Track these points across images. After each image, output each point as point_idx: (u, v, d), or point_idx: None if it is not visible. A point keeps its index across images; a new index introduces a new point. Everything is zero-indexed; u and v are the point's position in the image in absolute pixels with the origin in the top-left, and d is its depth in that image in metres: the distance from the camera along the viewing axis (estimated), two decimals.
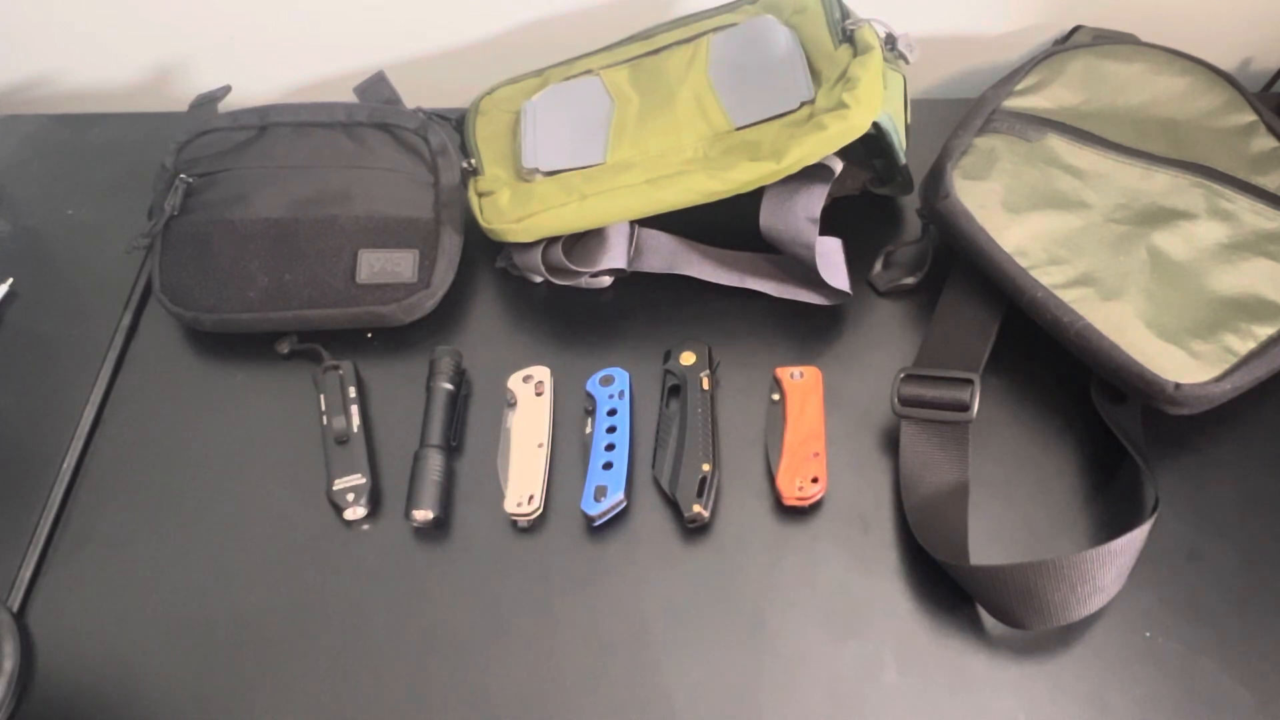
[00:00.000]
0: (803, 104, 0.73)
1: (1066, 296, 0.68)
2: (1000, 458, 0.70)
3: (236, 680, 0.65)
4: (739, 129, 0.74)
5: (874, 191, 0.83)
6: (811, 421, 0.70)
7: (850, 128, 0.69)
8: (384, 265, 0.76)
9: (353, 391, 0.74)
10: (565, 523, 0.69)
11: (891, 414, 0.70)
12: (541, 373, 0.75)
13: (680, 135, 0.75)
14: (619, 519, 0.69)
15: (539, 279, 0.79)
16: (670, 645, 0.64)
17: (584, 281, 0.79)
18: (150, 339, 0.80)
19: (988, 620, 0.64)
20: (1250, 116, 0.77)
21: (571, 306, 0.80)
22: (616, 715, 0.62)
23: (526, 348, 0.78)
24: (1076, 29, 0.84)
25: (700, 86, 0.77)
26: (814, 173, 0.71)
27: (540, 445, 0.71)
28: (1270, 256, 0.70)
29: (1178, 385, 0.64)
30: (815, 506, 0.69)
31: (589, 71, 0.82)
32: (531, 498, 0.69)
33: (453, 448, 0.73)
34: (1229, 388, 0.65)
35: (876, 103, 0.69)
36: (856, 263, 0.77)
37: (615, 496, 0.68)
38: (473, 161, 0.80)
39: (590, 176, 0.75)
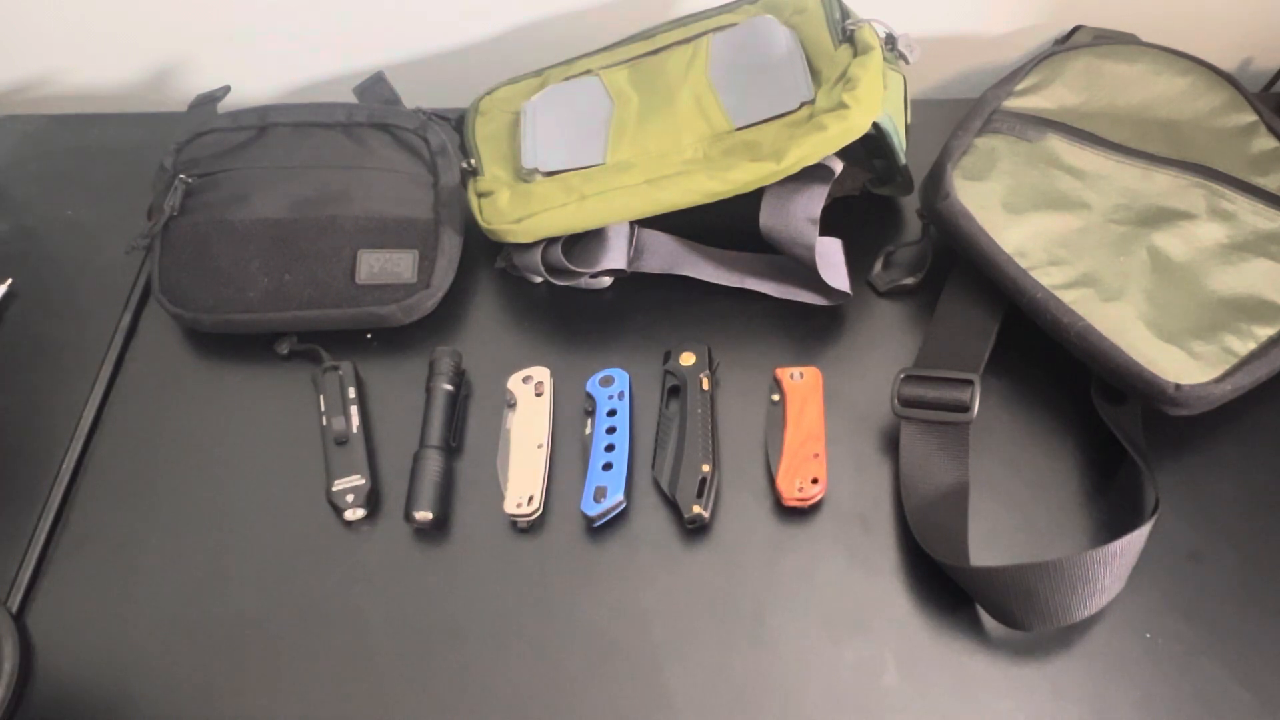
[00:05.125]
0: (803, 104, 0.72)
1: (1067, 297, 0.68)
2: (1000, 458, 0.70)
3: (236, 680, 0.65)
4: (739, 129, 0.74)
5: (874, 192, 0.83)
6: (811, 422, 0.70)
7: (850, 128, 0.69)
8: (384, 265, 0.76)
9: (352, 392, 0.74)
10: (565, 523, 0.69)
11: (891, 414, 0.70)
12: (541, 373, 0.75)
13: (680, 135, 0.75)
14: (619, 520, 0.69)
15: (539, 279, 0.79)
16: (670, 645, 0.64)
17: (584, 282, 0.79)
18: (150, 339, 0.80)
19: (988, 621, 0.64)
20: (1250, 116, 0.77)
21: (571, 307, 0.80)
22: (616, 715, 0.62)
23: (526, 348, 0.78)
24: (1077, 29, 0.84)
25: (700, 87, 0.77)
26: (814, 173, 0.71)
27: (540, 446, 0.71)
28: (1270, 257, 0.70)
29: (1178, 386, 0.64)
30: (815, 507, 0.69)
31: (589, 72, 0.82)
32: (531, 498, 0.69)
33: (452, 448, 0.73)
34: (1229, 388, 0.65)
35: (876, 103, 0.69)
36: (856, 263, 0.77)
37: (615, 497, 0.68)
38: (472, 162, 0.80)
39: (590, 177, 0.75)
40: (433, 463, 0.70)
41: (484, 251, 0.82)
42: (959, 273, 0.75)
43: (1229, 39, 0.90)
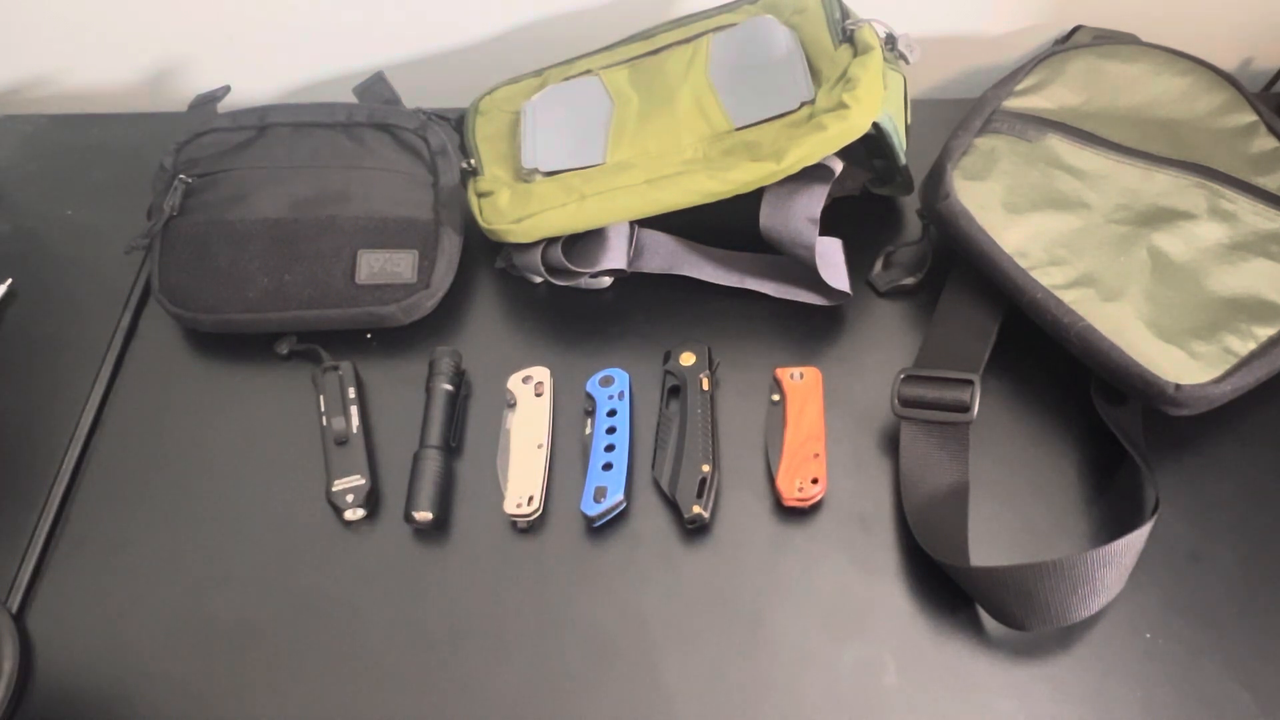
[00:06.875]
0: (803, 104, 0.72)
1: (1067, 297, 0.68)
2: (1000, 458, 0.70)
3: (236, 680, 0.65)
4: (739, 129, 0.74)
5: (874, 192, 0.83)
6: (811, 422, 0.70)
7: (850, 128, 0.69)
8: (383, 265, 0.76)
9: (352, 392, 0.74)
10: (565, 524, 0.69)
11: (891, 414, 0.70)
12: (541, 373, 0.75)
13: (680, 136, 0.75)
14: (619, 520, 0.69)
15: (539, 279, 0.79)
16: (670, 645, 0.64)
17: (584, 282, 0.79)
18: (149, 339, 0.80)
19: (988, 621, 0.64)
20: (1250, 117, 0.77)
21: (571, 307, 0.80)
22: (616, 715, 0.62)
23: (526, 348, 0.78)
24: (1077, 29, 0.84)
25: (700, 87, 0.77)
26: (814, 173, 0.71)
27: (540, 446, 0.71)
28: (1271, 257, 0.70)
29: (1178, 386, 0.64)
30: (815, 507, 0.69)
31: (588, 72, 0.82)
32: (531, 499, 0.69)
33: (452, 448, 0.73)
34: (1229, 389, 0.65)
35: (876, 103, 0.69)
36: (856, 263, 0.77)
37: (615, 497, 0.68)
38: (472, 162, 0.80)
39: (590, 177, 0.75)
40: (433, 463, 0.70)
41: (484, 251, 0.82)
42: (959, 273, 0.75)
43: (1229, 39, 0.90)
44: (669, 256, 0.80)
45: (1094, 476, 0.69)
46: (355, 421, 0.73)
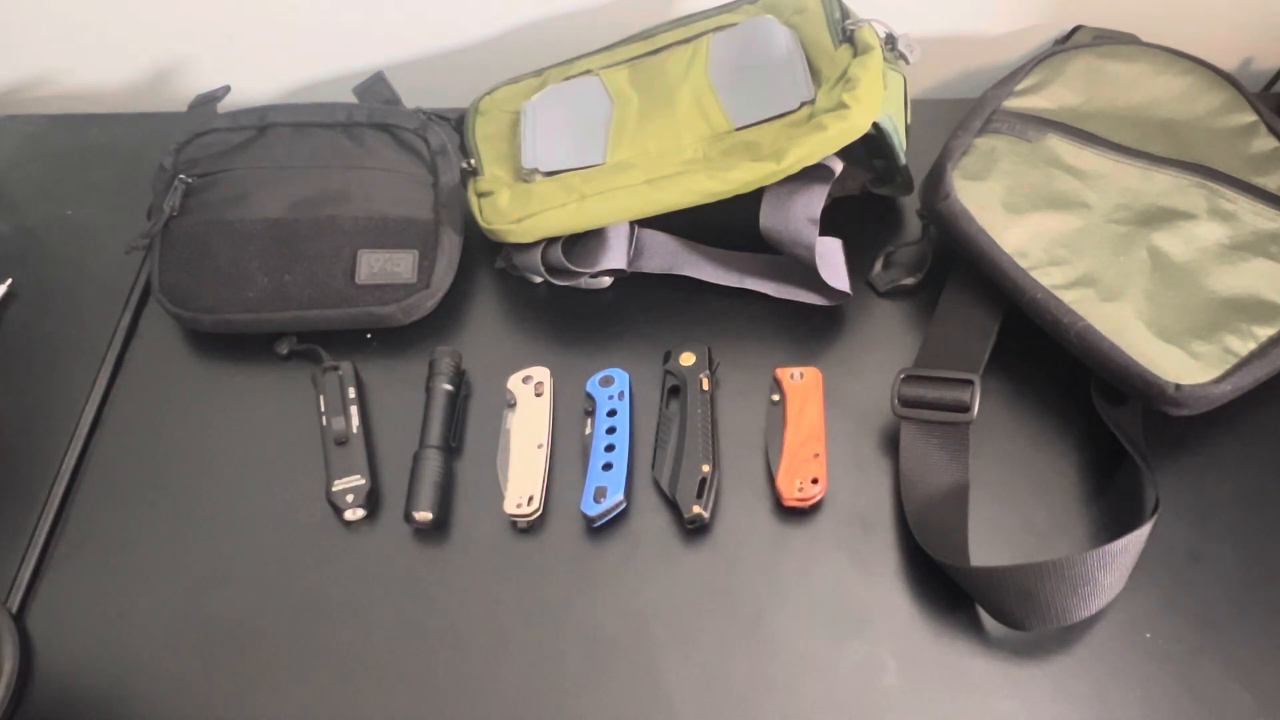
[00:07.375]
0: (803, 104, 0.72)
1: (1067, 297, 0.68)
2: (1001, 459, 0.70)
3: (236, 680, 0.65)
4: (739, 129, 0.74)
5: (874, 191, 0.83)
6: (811, 422, 0.70)
7: (850, 128, 0.69)
8: (383, 265, 0.76)
9: (352, 392, 0.74)
10: (565, 524, 0.69)
11: (891, 415, 0.70)
12: (541, 373, 0.75)
13: (680, 136, 0.75)
14: (619, 520, 0.69)
15: (539, 279, 0.79)
16: (670, 645, 0.64)
17: (584, 282, 0.79)
18: (149, 339, 0.80)
19: (988, 621, 0.64)
20: (1250, 117, 0.77)
21: (571, 307, 0.80)
22: (616, 715, 0.62)
23: (526, 348, 0.78)
24: (1077, 29, 0.84)
25: (700, 87, 0.77)
26: (814, 173, 0.71)
27: (540, 446, 0.71)
28: (1271, 257, 0.70)
29: (1178, 386, 0.64)
30: (815, 507, 0.69)
31: (588, 72, 0.82)
32: (531, 499, 0.69)
33: (452, 448, 0.73)
34: (1229, 389, 0.65)
35: (876, 103, 0.69)
36: (856, 263, 0.77)
37: (615, 497, 0.68)
38: (472, 162, 0.80)
39: (590, 177, 0.75)
40: (433, 463, 0.70)
41: (484, 251, 0.82)
42: (959, 273, 0.75)
43: (1229, 39, 0.90)
44: (669, 256, 0.80)
45: (1094, 476, 0.69)
46: (355, 421, 0.73)
